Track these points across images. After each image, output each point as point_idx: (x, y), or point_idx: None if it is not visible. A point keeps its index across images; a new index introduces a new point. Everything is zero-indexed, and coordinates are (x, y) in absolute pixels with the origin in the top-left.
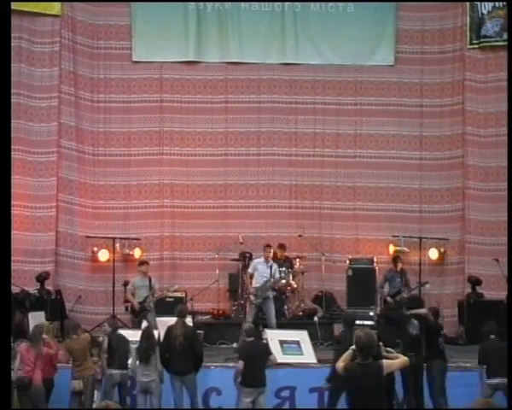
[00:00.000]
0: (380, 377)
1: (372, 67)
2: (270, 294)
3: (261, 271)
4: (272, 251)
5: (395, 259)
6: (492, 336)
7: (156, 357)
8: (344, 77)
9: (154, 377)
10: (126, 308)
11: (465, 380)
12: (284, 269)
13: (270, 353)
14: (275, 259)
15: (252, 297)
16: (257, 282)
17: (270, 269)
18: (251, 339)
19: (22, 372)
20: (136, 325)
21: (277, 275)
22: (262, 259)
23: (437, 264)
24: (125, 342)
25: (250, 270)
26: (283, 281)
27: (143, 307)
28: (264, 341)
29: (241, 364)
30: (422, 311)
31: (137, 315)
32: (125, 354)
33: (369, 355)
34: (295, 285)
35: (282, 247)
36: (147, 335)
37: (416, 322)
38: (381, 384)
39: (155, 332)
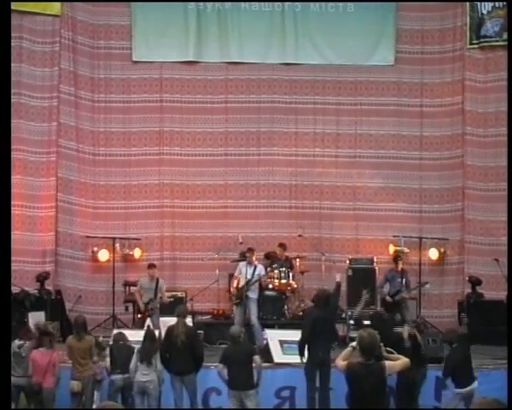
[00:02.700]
0: (382, 378)
1: (372, 67)
2: (252, 294)
3: (244, 273)
4: (254, 254)
5: (396, 258)
6: (454, 345)
7: (157, 358)
8: (344, 77)
9: (152, 377)
10: (126, 308)
11: None
12: (284, 269)
13: (253, 354)
14: (275, 258)
15: (232, 298)
16: (241, 284)
17: (254, 270)
18: (235, 343)
19: (34, 379)
20: (139, 325)
21: (262, 272)
22: (245, 262)
23: (437, 264)
24: (128, 348)
25: (236, 273)
26: (263, 278)
27: (148, 308)
28: (265, 341)
29: (220, 367)
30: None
31: (142, 316)
32: (128, 359)
33: (371, 356)
34: (295, 285)
35: (282, 246)
36: (149, 336)
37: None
38: (384, 385)
39: (157, 332)
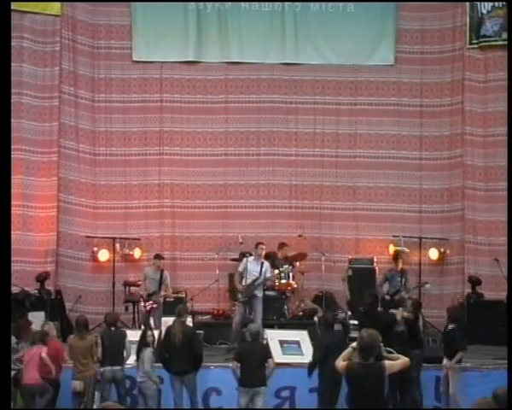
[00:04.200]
0: (381, 379)
1: (372, 67)
2: (259, 293)
3: (251, 269)
4: (264, 248)
5: (396, 257)
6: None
7: (146, 358)
8: (344, 77)
9: (145, 378)
10: (126, 308)
11: (465, 380)
12: (284, 269)
13: (269, 356)
14: (275, 258)
15: (238, 295)
16: (246, 281)
17: (261, 267)
18: (252, 341)
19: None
20: (144, 319)
21: (268, 274)
22: (252, 257)
23: (437, 264)
24: (118, 337)
25: (240, 269)
26: (269, 281)
27: (151, 299)
28: (265, 341)
29: (235, 364)
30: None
31: (145, 305)
32: (118, 350)
33: (370, 356)
34: (295, 285)
35: (283, 246)
36: (140, 335)
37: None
38: (383, 386)
39: (156, 332)
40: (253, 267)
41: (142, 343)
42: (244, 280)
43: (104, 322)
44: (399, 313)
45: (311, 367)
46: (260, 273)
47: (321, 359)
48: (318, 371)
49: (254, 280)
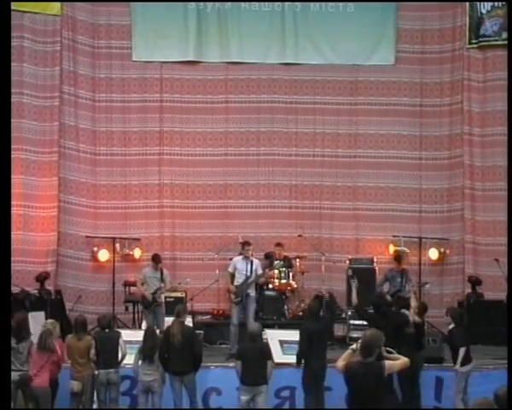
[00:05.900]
0: (381, 378)
1: (372, 67)
2: (252, 292)
3: (240, 269)
4: (251, 248)
5: (397, 257)
6: (459, 324)
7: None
8: (344, 76)
9: (156, 376)
10: (126, 308)
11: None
12: (284, 269)
13: (268, 357)
14: (275, 258)
15: (232, 296)
16: (237, 281)
17: (251, 266)
18: (253, 341)
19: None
20: (149, 318)
21: (260, 271)
22: (241, 257)
23: (437, 264)
24: (112, 339)
25: (230, 269)
26: (262, 278)
27: (154, 298)
28: (265, 341)
29: (238, 364)
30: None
31: (148, 307)
32: (112, 352)
33: (369, 354)
34: (295, 285)
35: (279, 245)
36: (150, 334)
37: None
38: (382, 385)
39: (158, 331)
40: (243, 267)
41: (158, 342)
42: (235, 281)
43: (98, 325)
44: (412, 315)
45: (299, 357)
46: (251, 272)
47: (307, 347)
48: (304, 359)
49: (247, 279)
